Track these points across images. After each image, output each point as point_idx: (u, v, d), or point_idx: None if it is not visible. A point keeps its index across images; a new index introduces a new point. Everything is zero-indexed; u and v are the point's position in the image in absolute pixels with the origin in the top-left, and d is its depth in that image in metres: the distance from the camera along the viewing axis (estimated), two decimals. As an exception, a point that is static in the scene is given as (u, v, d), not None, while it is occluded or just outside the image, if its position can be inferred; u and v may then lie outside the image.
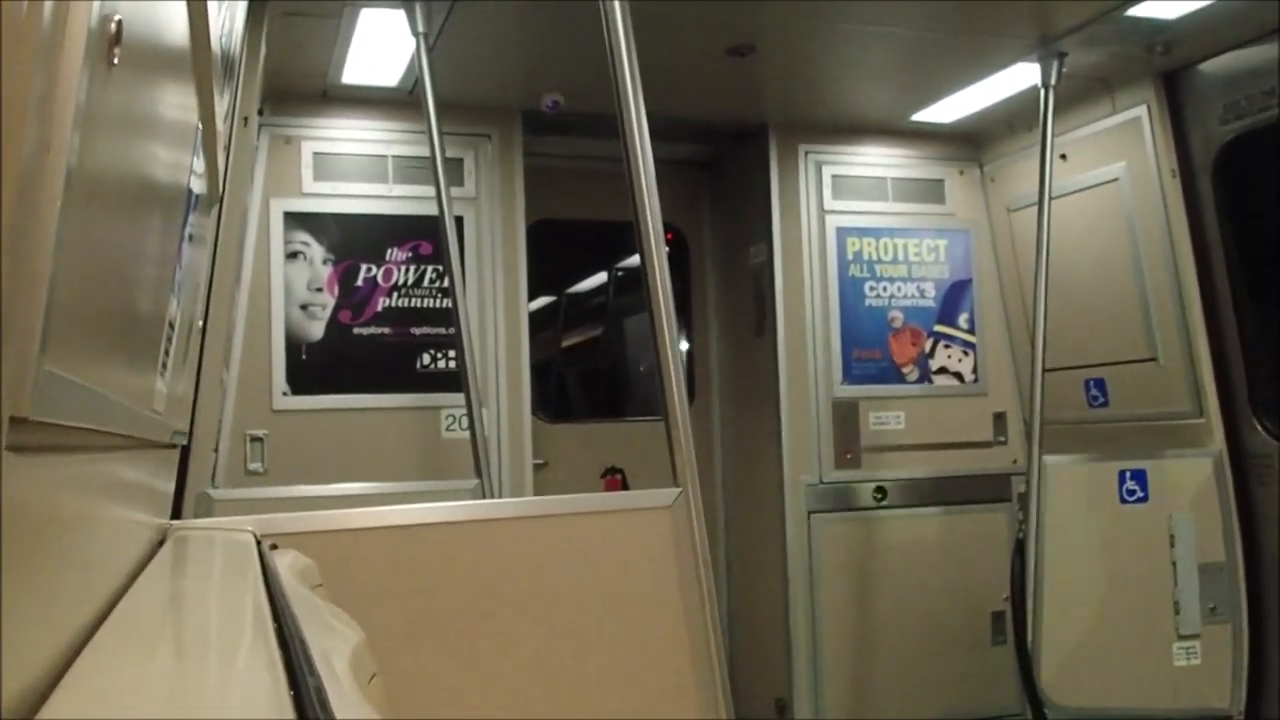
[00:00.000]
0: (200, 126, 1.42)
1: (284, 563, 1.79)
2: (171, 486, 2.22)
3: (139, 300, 1.10)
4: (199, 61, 1.27)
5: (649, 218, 2.33)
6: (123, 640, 0.99)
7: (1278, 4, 3.60)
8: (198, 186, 1.54)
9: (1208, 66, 4.10)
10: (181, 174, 1.31)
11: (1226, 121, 4.06)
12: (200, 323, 2.33)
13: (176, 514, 2.70)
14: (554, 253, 5.25)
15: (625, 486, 5.06)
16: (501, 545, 2.25)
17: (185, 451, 2.78)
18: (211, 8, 1.26)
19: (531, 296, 4.70)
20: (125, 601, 1.19)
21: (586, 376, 5.97)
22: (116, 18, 0.70)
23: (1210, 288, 4.17)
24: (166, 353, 1.43)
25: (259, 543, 1.88)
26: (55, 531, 0.88)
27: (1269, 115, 3.88)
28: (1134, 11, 3.66)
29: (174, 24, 1.05)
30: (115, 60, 0.71)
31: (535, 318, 4.94)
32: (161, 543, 1.85)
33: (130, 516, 1.45)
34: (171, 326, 1.42)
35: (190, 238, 1.57)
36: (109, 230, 0.86)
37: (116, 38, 0.70)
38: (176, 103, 1.16)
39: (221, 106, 1.74)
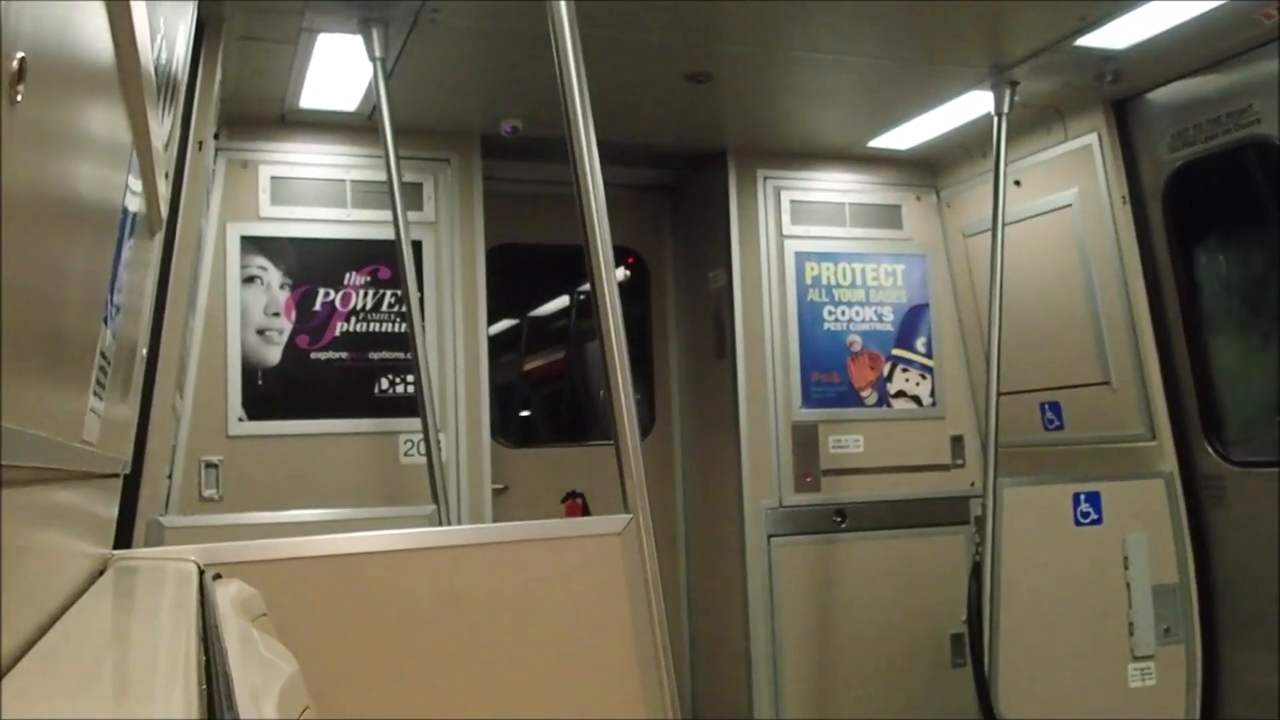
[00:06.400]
0: (134, 152, 1.41)
1: (226, 593, 1.76)
2: (114, 515, 2.18)
3: (62, 329, 1.09)
4: (128, 86, 1.26)
5: (599, 243, 2.34)
6: (40, 675, 0.97)
7: (1223, 34, 3.68)
8: (135, 211, 1.53)
9: (1156, 95, 4.18)
10: (112, 201, 1.29)
11: (1175, 149, 4.13)
12: (144, 349, 2.30)
13: (126, 542, 2.66)
14: (515, 277, 5.25)
15: (586, 511, 5.05)
16: (451, 572, 2.24)
17: (135, 479, 2.74)
18: (142, 32, 1.25)
19: (492, 321, 4.69)
20: (50, 634, 1.17)
21: (548, 400, 5.96)
22: (19, 55, 0.69)
23: (1161, 312, 4.24)
24: (100, 382, 1.41)
25: (202, 573, 1.85)
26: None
27: (1216, 143, 3.96)
28: (1084, 41, 3.73)
29: (95, 51, 1.04)
30: (19, 97, 0.70)
31: (496, 342, 4.93)
32: (102, 573, 1.82)
33: (63, 548, 1.42)
34: (105, 355, 1.40)
35: (127, 262, 1.56)
36: (22, 261, 0.85)
37: (19, 75, 0.69)
38: (103, 129, 1.15)
39: (163, 130, 1.73)
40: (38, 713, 0.82)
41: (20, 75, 0.70)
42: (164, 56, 1.58)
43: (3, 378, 0.85)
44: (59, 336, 1.08)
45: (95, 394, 1.38)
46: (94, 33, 1.03)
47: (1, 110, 0.68)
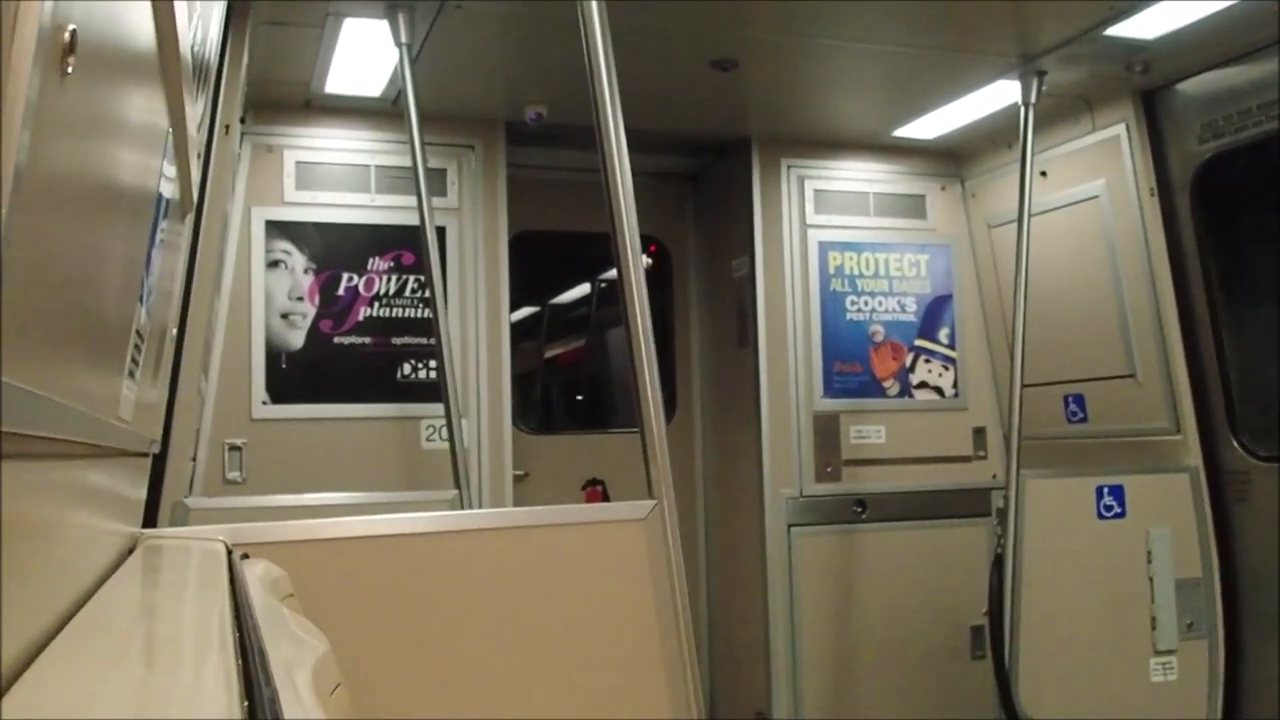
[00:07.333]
0: (170, 134, 1.42)
1: (255, 573, 1.78)
2: (143, 495, 2.20)
3: (102, 306, 1.10)
4: (167, 69, 1.27)
5: (626, 230, 2.33)
6: (79, 648, 0.99)
7: (1255, 26, 3.64)
8: (169, 193, 1.54)
9: (1186, 86, 4.14)
10: (149, 181, 1.30)
11: (1204, 140, 4.09)
12: (175, 330, 2.32)
13: (151, 523, 2.68)
14: (537, 264, 5.26)
15: (606, 498, 5.06)
16: (476, 556, 2.25)
17: (161, 460, 2.77)
18: (181, 15, 1.26)
19: (514, 307, 4.69)
20: (86, 610, 1.19)
21: (569, 388, 5.97)
22: (70, 27, 0.70)
23: (1188, 305, 4.20)
24: (134, 360, 1.42)
25: (230, 552, 1.87)
26: (14, 539, 0.88)
27: (1246, 135, 3.92)
28: (1113, 31, 3.69)
29: (139, 31, 1.05)
30: (69, 69, 0.71)
31: (518, 329, 4.94)
32: (131, 551, 1.84)
33: (96, 525, 1.44)
34: (140, 334, 1.41)
35: (161, 244, 1.57)
36: (66, 237, 0.86)
37: (70, 47, 0.70)
38: (143, 110, 1.16)
39: (196, 113, 1.74)
40: (86, 684, 0.83)
41: (71, 47, 0.71)
42: (199, 39, 1.59)
43: (45, 353, 0.86)
44: (99, 314, 1.09)
45: (130, 373, 1.40)
46: (137, 14, 1.04)
47: (49, 81, 0.68)
